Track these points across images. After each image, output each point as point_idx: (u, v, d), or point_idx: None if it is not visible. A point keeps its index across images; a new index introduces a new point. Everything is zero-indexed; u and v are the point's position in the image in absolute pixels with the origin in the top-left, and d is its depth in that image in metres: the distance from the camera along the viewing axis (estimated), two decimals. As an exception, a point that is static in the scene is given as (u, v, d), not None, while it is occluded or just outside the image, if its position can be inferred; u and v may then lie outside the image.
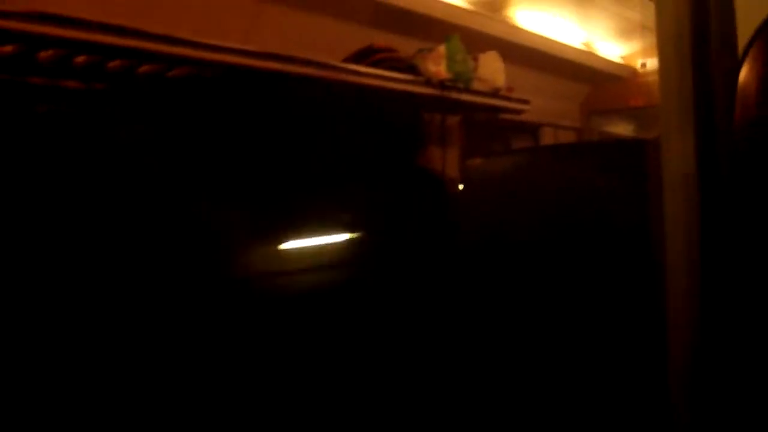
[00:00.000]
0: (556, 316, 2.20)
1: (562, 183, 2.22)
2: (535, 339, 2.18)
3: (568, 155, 2.55)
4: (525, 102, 4.85)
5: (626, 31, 6.50)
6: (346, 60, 3.78)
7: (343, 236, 1.29)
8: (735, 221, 1.23)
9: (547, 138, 6.14)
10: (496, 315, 2.01)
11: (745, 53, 1.19)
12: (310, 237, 1.40)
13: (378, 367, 1.40)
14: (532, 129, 5.95)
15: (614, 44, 6.73)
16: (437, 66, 4.09)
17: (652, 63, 6.88)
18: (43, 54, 2.53)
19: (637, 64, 7.00)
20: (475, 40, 4.52)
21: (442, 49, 4.14)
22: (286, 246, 1.63)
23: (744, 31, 1.24)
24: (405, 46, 4.08)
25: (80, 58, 2.62)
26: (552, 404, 2.15)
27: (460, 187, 2.89)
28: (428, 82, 4.00)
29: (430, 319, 1.44)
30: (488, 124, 5.04)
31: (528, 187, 2.33)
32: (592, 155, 2.39)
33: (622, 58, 6.98)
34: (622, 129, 7.30)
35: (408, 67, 3.98)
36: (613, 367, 2.12)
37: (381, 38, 4.03)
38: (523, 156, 3.10)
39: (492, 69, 4.52)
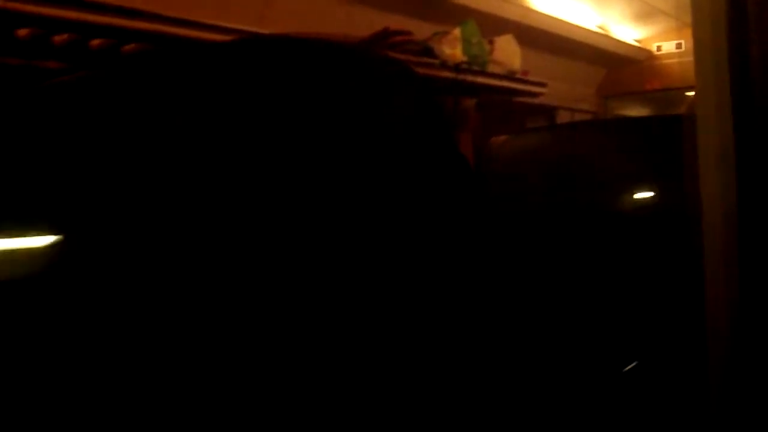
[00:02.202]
0: (584, 297, 2.16)
1: (597, 158, 2.18)
2: (562, 320, 2.15)
3: (603, 130, 2.50)
4: (542, 85, 4.82)
5: (642, 15, 6.44)
6: (362, 43, 3.75)
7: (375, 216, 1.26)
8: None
9: (563, 122, 6.10)
10: (526, 295, 1.97)
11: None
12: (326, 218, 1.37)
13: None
14: (547, 112, 5.91)
15: (630, 28, 6.67)
16: (453, 49, 4.06)
17: (668, 46, 6.82)
18: (58, 38, 2.50)
19: (653, 47, 6.93)
20: (490, 23, 4.49)
21: (457, 32, 4.11)
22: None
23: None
24: (421, 29, 4.04)
25: (95, 42, 2.60)
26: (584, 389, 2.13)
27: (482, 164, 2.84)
28: (444, 65, 3.97)
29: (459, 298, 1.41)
30: (504, 108, 5.01)
31: (560, 164, 2.28)
32: (629, 130, 2.34)
33: (638, 41, 6.92)
34: (638, 112, 7.25)
35: (424, 50, 3.95)
36: (645, 355, 2.09)
37: (397, 22, 4.00)
38: (551, 132, 3.05)
39: (507, 52, 4.48)
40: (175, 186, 1.29)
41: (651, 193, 2.02)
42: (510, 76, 4.50)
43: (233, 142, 1.31)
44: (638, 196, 2.07)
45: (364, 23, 3.88)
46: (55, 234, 1.25)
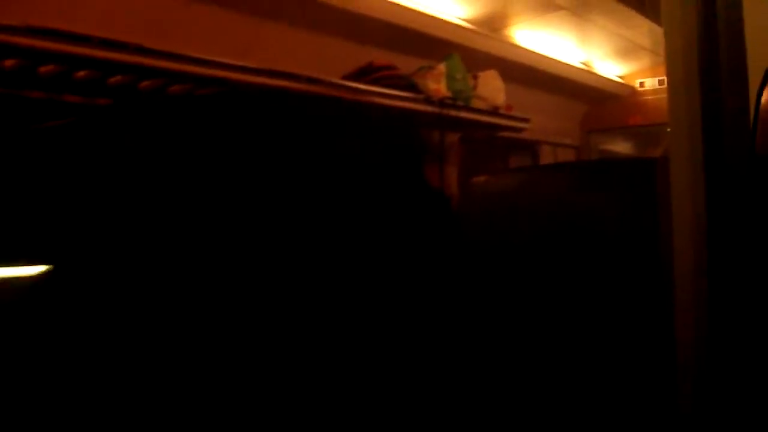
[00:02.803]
0: (561, 332, 2.18)
1: (571, 202, 2.21)
2: (540, 353, 2.16)
3: (577, 174, 2.53)
4: (525, 120, 4.86)
5: (625, 51, 6.52)
6: (346, 77, 3.78)
7: (350, 248, 1.27)
8: (744, 241, 1.22)
9: (546, 156, 6.15)
10: (502, 327, 1.99)
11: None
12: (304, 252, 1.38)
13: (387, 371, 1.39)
14: (531, 147, 5.96)
15: (613, 64, 6.76)
16: (437, 84, 4.09)
17: (651, 83, 6.91)
18: (44, 68, 2.52)
19: (636, 83, 7.02)
20: (474, 58, 4.53)
21: (441, 67, 4.15)
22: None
23: (754, 52, 1.23)
24: (405, 64, 4.08)
25: (81, 73, 2.61)
26: (556, 405, 2.14)
27: (462, 203, 2.88)
28: (428, 100, 4.00)
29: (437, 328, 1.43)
30: (487, 142, 5.05)
31: (535, 206, 2.31)
32: (601, 174, 2.37)
33: (621, 77, 7.01)
34: (621, 147, 7.32)
35: (408, 84, 3.98)
36: (619, 385, 2.11)
37: (381, 56, 4.03)
38: (530, 174, 3.09)
39: (491, 87, 4.53)
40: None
41: (626, 233, 2.05)
42: (494, 111, 4.54)
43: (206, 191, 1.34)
44: (613, 236, 2.10)
45: (350, 57, 3.91)
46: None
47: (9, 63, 2.43)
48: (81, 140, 1.41)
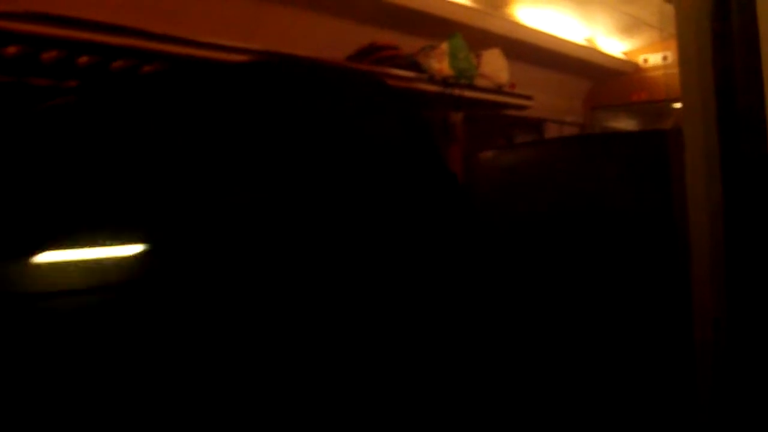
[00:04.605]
0: (573, 308, 2.17)
1: (581, 174, 2.19)
2: (552, 330, 2.15)
3: (587, 146, 2.51)
4: (528, 98, 4.84)
5: (628, 28, 6.48)
6: (349, 58, 3.77)
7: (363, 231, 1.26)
8: (762, 210, 1.20)
9: (551, 134, 6.13)
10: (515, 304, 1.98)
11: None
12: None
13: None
14: (535, 125, 5.93)
15: (617, 40, 6.71)
16: (440, 63, 4.08)
17: (655, 59, 6.87)
18: (46, 55, 2.51)
19: (640, 59, 6.97)
20: (477, 37, 4.50)
21: (444, 46, 4.13)
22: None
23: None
24: (408, 44, 4.06)
25: (83, 59, 2.60)
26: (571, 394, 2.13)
27: (469, 179, 2.86)
28: (431, 79, 3.99)
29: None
30: (491, 121, 5.03)
31: (543, 179, 2.29)
32: (614, 145, 2.35)
33: (625, 53, 6.97)
34: (625, 124, 7.29)
35: (411, 64, 3.96)
36: (634, 363, 2.10)
37: (384, 36, 4.01)
38: (538, 148, 3.07)
39: (495, 66, 4.51)
40: (174, 199, 1.30)
41: (639, 207, 2.03)
42: (497, 89, 4.52)
43: (218, 161, 1.32)
44: (625, 209, 2.08)
45: (352, 37, 3.89)
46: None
47: (12, 50, 2.42)
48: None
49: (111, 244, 1.25)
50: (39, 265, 1.23)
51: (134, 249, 1.28)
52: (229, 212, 1.32)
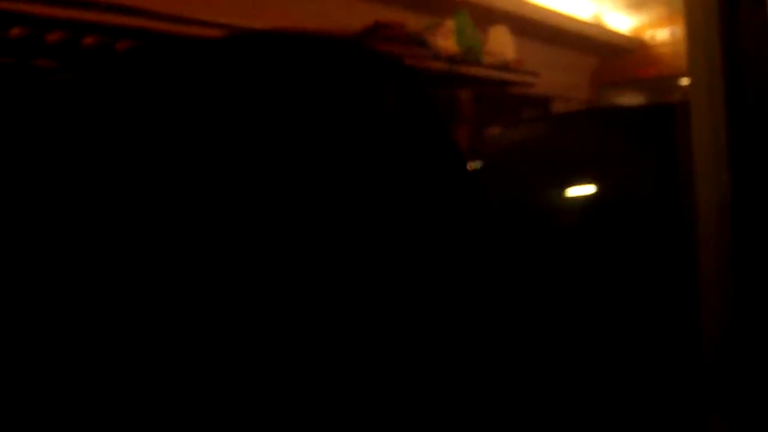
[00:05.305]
0: (580, 288, 2.17)
1: (589, 148, 2.18)
2: (560, 312, 2.15)
3: (594, 120, 2.50)
4: (535, 75, 4.83)
5: (635, 3, 6.43)
6: (354, 36, 3.75)
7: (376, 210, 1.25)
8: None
9: (558, 111, 6.11)
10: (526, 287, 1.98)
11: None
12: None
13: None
14: (542, 102, 5.91)
15: (623, 16, 6.66)
16: (446, 40, 4.06)
17: (662, 34, 6.82)
18: (51, 36, 2.51)
19: (647, 35, 6.93)
20: (483, 14, 4.48)
21: (450, 23, 4.11)
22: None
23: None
24: (413, 21, 4.04)
25: (88, 40, 2.60)
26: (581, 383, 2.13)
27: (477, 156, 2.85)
28: (438, 57, 3.97)
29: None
30: (498, 99, 5.02)
31: (551, 155, 2.28)
32: (623, 119, 2.34)
33: (632, 30, 6.92)
34: (632, 100, 7.25)
35: (417, 42, 3.94)
36: (640, 347, 2.10)
37: (389, 14, 3.99)
38: (546, 123, 3.05)
39: (501, 43, 4.49)
40: (170, 185, 1.29)
41: (645, 181, 2.03)
42: (504, 66, 4.51)
43: (222, 140, 1.31)
44: (633, 184, 2.07)
45: (356, 16, 3.87)
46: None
47: (15, 31, 2.42)
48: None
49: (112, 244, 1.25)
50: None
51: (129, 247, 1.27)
52: (224, 202, 1.31)
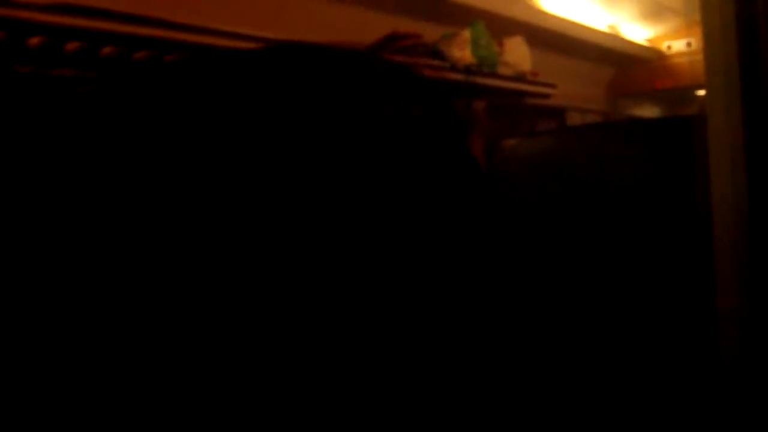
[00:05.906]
0: (593, 294, 2.16)
1: (605, 161, 2.18)
2: (575, 319, 2.14)
3: (610, 133, 2.50)
4: (551, 86, 4.81)
5: (652, 14, 6.42)
6: (370, 47, 3.76)
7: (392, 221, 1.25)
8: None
9: (574, 122, 6.09)
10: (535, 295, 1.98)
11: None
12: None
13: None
14: (558, 113, 5.90)
15: (640, 27, 6.65)
16: (462, 51, 4.06)
17: (678, 45, 6.80)
18: (70, 46, 2.53)
19: (663, 46, 6.91)
20: (499, 24, 4.48)
21: (466, 34, 4.11)
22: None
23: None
24: (429, 32, 4.04)
25: (107, 50, 2.62)
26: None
27: (492, 167, 2.85)
28: (453, 68, 3.97)
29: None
30: (514, 109, 5.01)
31: (566, 167, 2.28)
32: (639, 132, 2.33)
33: (648, 40, 6.90)
34: (649, 112, 7.23)
35: (433, 52, 3.95)
36: (656, 355, 2.09)
37: (404, 25, 4.00)
38: (561, 135, 3.05)
39: (517, 53, 4.49)
40: (187, 191, 1.30)
41: (662, 194, 2.02)
42: (520, 77, 4.50)
43: (238, 147, 1.32)
44: (649, 197, 2.06)
45: (372, 27, 3.89)
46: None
47: (34, 41, 2.44)
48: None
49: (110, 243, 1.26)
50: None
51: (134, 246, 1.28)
52: (239, 204, 1.32)
